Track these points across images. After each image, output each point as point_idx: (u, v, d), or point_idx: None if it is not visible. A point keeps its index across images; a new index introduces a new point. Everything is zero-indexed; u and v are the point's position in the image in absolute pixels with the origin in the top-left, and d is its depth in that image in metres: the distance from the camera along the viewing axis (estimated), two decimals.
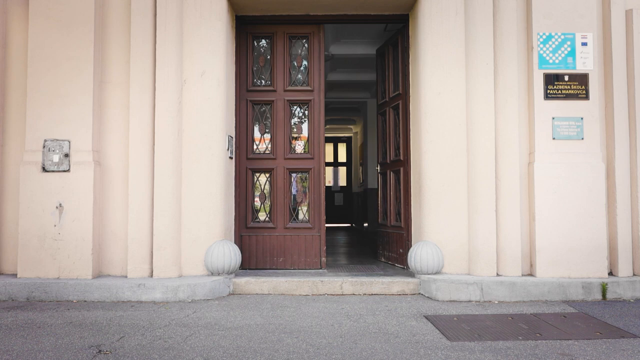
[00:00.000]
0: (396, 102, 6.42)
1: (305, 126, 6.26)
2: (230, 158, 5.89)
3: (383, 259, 6.82)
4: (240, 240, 6.06)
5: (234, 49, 6.10)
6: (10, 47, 5.67)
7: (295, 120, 6.28)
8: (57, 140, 5.32)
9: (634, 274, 5.48)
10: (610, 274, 5.49)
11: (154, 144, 5.37)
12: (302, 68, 6.26)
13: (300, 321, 4.18)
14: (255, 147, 6.24)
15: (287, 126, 6.20)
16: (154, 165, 5.35)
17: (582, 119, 5.43)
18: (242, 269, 6.00)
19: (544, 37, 5.48)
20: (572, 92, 5.47)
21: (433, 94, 5.49)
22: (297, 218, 6.22)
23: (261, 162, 6.19)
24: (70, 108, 5.35)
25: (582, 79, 5.47)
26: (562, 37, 5.48)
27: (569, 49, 5.49)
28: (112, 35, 5.57)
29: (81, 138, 5.34)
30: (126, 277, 5.31)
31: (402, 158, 6.22)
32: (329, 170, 14.62)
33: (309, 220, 6.15)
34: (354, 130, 14.69)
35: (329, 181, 14.56)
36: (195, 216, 5.41)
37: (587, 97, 5.46)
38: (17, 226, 5.41)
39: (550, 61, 5.49)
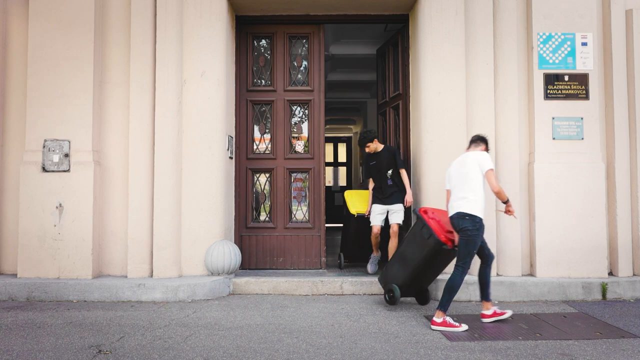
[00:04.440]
0: (396, 102, 6.42)
1: (305, 126, 6.25)
2: (230, 158, 5.89)
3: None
4: (240, 240, 6.06)
5: (234, 49, 6.09)
6: (10, 47, 5.66)
7: (295, 120, 6.28)
8: (57, 140, 5.32)
9: (634, 274, 5.47)
10: (610, 274, 5.49)
11: (154, 144, 5.37)
12: (302, 68, 6.26)
13: (300, 321, 4.18)
14: (255, 147, 6.23)
15: (287, 126, 6.20)
16: (154, 165, 5.35)
17: (582, 119, 5.43)
18: (242, 269, 6.00)
19: (544, 37, 5.48)
20: (572, 92, 5.47)
21: (433, 93, 5.49)
22: (297, 218, 6.21)
23: (261, 162, 6.19)
24: (70, 108, 5.35)
25: (582, 79, 5.47)
26: (562, 37, 5.48)
27: (569, 49, 5.49)
28: (112, 35, 5.57)
29: (81, 138, 5.34)
30: (126, 277, 5.31)
31: (402, 158, 6.21)
32: (329, 170, 14.59)
33: (309, 220, 6.15)
34: (354, 130, 14.66)
35: (329, 181, 14.53)
36: (195, 216, 5.40)
37: (587, 97, 5.46)
38: (17, 226, 5.41)
39: (550, 61, 5.48)
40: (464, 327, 3.97)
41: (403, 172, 5.49)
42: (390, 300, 4.63)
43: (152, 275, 5.31)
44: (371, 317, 4.33)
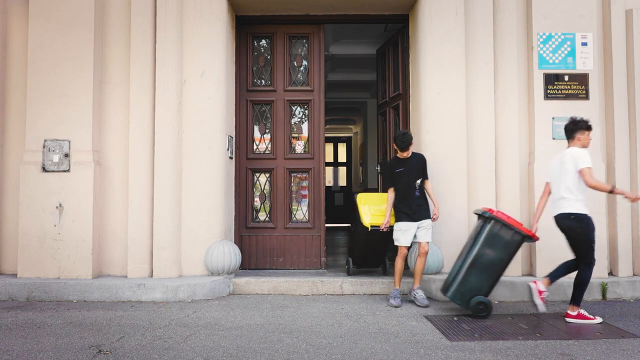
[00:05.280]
0: (396, 102, 6.42)
1: (305, 126, 6.25)
2: (230, 158, 5.89)
3: None
4: (240, 240, 6.06)
5: (234, 49, 6.09)
6: (10, 47, 5.66)
7: (295, 120, 6.28)
8: (57, 140, 5.32)
9: (634, 274, 5.47)
10: (610, 274, 5.49)
11: (154, 144, 5.37)
12: (302, 68, 6.26)
13: (300, 321, 4.18)
14: (255, 147, 6.23)
15: (287, 126, 6.20)
16: (154, 166, 5.35)
17: None
18: (242, 269, 6.00)
19: (544, 37, 5.48)
20: (572, 92, 5.47)
21: (433, 93, 5.49)
22: (297, 218, 6.21)
23: (261, 162, 6.19)
24: (70, 108, 5.35)
25: (582, 79, 5.47)
26: (562, 37, 5.48)
27: (569, 49, 5.49)
28: (112, 35, 5.57)
29: (81, 138, 5.34)
30: (126, 277, 5.31)
31: None
32: (329, 170, 14.59)
33: (309, 220, 6.15)
34: (354, 130, 14.67)
35: (329, 181, 14.54)
36: (195, 216, 5.40)
37: (587, 97, 5.46)
38: (17, 226, 5.41)
39: (550, 61, 5.48)
40: (599, 319, 4.17)
41: (429, 183, 5.01)
42: (486, 313, 4.35)
43: (152, 275, 5.31)
44: (371, 317, 4.33)
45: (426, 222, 4.86)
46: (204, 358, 3.24)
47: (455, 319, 4.31)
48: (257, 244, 6.08)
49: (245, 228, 6.10)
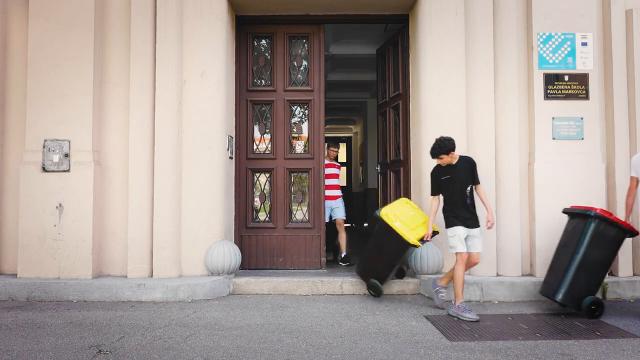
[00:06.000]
0: (396, 102, 6.42)
1: (305, 126, 6.25)
2: (230, 158, 5.89)
3: None
4: (240, 240, 6.06)
5: (234, 49, 6.09)
6: (10, 47, 5.66)
7: (295, 120, 6.28)
8: (57, 140, 5.32)
9: (634, 274, 5.47)
10: (611, 273, 5.48)
11: (154, 144, 5.37)
12: (302, 68, 6.26)
13: (300, 321, 4.18)
14: (255, 147, 6.23)
15: (287, 126, 6.20)
16: (154, 166, 5.35)
17: (582, 118, 5.43)
18: (242, 269, 6.00)
19: (544, 37, 5.48)
20: (572, 92, 5.47)
21: (433, 93, 5.49)
22: (297, 218, 6.21)
23: (261, 162, 6.19)
24: (70, 108, 5.35)
25: (582, 79, 5.47)
26: (562, 37, 5.48)
27: (569, 49, 5.49)
28: (112, 35, 5.57)
29: (81, 138, 5.34)
30: (126, 277, 5.30)
31: (402, 158, 6.22)
32: None
33: (308, 220, 6.15)
34: (354, 130, 14.66)
35: None
36: (195, 216, 5.40)
37: (587, 97, 5.46)
38: (17, 226, 5.40)
39: (550, 61, 5.48)
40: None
41: (481, 188, 4.58)
42: (599, 312, 4.30)
43: (152, 275, 5.31)
44: (371, 317, 4.33)
45: (477, 231, 4.47)
46: (204, 358, 3.24)
47: (455, 319, 4.30)
48: (257, 244, 6.08)
49: (245, 228, 6.10)
